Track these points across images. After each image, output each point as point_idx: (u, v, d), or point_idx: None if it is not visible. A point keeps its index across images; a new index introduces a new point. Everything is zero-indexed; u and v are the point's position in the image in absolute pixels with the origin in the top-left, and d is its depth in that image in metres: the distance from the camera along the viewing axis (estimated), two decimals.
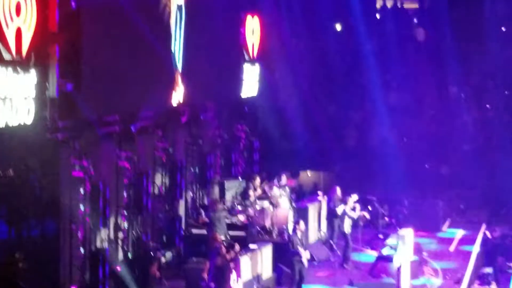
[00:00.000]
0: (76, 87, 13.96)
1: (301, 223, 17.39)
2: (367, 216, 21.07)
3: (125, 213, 17.32)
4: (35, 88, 12.97)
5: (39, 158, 14.52)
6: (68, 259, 15.25)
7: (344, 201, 20.02)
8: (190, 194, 20.85)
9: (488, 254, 20.87)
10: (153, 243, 17.98)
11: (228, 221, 18.81)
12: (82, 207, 15.32)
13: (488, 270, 18.81)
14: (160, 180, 19.16)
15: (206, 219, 18.75)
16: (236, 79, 22.65)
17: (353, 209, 19.92)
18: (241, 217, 19.48)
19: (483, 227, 22.60)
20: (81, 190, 15.23)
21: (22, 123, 12.74)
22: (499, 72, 27.41)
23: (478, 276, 18.78)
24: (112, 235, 16.97)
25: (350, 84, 27.57)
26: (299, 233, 17.13)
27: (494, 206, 25.27)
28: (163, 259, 17.62)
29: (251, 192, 20.23)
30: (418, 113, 27.75)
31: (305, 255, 16.99)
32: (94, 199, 15.56)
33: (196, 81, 19.17)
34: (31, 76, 12.88)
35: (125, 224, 17.34)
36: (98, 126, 15.66)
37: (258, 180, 20.92)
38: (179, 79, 18.56)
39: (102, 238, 16.49)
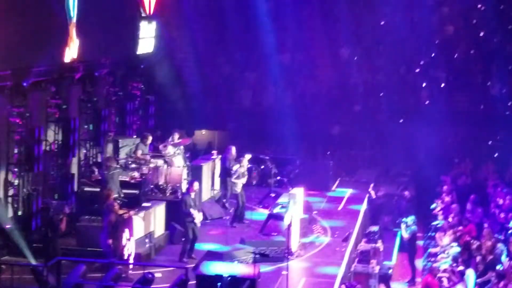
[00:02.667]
0: None
1: (195, 183, 17.42)
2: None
3: (16, 170, 17.05)
4: None
5: None
6: None
7: (238, 161, 20.26)
8: (83, 151, 20.64)
9: (373, 213, 21.69)
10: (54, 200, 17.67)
11: (122, 178, 18.74)
12: None
13: (374, 228, 19.46)
14: (52, 136, 18.90)
15: (100, 177, 18.65)
16: (132, 36, 22.41)
17: (246, 170, 20.21)
18: (135, 175, 19.44)
19: (371, 187, 23.32)
20: None
21: None
22: (388, 36, 28.04)
23: (365, 234, 19.41)
24: (1, 193, 16.68)
25: (246, 44, 27.69)
26: (192, 194, 17.18)
27: (383, 167, 26.06)
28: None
29: (139, 151, 20.05)
30: (311, 74, 28.16)
31: (198, 217, 17.08)
32: None
33: (91, 36, 18.87)
34: None
35: (15, 181, 17.07)
36: None
37: (149, 139, 20.77)
38: (73, 32, 18.18)
39: None
